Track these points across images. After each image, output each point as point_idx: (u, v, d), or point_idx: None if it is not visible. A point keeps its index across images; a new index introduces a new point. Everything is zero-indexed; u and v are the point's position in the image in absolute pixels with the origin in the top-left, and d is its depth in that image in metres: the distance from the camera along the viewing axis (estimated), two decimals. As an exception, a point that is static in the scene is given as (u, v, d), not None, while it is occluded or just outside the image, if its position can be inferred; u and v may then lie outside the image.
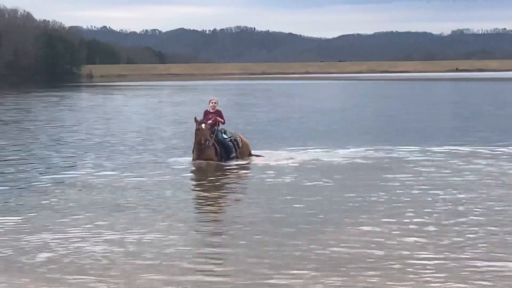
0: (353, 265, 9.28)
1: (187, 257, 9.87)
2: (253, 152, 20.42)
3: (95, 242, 10.63)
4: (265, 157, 20.07)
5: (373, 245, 10.26)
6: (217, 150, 19.25)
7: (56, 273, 9.15)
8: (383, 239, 10.61)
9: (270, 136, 26.67)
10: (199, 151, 19.04)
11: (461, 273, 8.90)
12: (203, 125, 18.98)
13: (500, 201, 13.45)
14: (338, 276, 8.85)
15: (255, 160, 19.73)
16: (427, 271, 9.00)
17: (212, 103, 19.67)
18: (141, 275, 9.00)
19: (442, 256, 9.67)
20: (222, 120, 19.67)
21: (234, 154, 19.63)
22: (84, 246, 10.38)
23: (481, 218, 11.98)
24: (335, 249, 10.09)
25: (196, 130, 19.00)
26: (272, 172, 17.50)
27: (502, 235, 10.85)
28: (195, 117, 19.34)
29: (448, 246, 10.19)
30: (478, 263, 9.32)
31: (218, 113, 19.61)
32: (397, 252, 9.92)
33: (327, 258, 9.67)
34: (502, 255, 9.74)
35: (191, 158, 19.42)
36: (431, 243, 10.37)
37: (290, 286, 8.51)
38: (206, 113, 19.68)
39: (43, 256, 9.92)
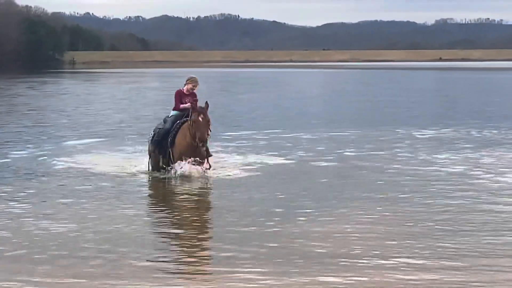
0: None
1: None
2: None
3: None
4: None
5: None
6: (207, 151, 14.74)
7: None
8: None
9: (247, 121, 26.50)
10: (193, 150, 14.32)
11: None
12: (200, 117, 14.08)
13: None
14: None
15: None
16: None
17: (190, 84, 15.30)
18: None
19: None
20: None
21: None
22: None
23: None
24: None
25: (191, 122, 14.20)
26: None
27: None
28: (190, 103, 14.72)
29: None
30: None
31: (195, 97, 15.12)
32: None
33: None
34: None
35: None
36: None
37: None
38: (180, 94, 15.27)
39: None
